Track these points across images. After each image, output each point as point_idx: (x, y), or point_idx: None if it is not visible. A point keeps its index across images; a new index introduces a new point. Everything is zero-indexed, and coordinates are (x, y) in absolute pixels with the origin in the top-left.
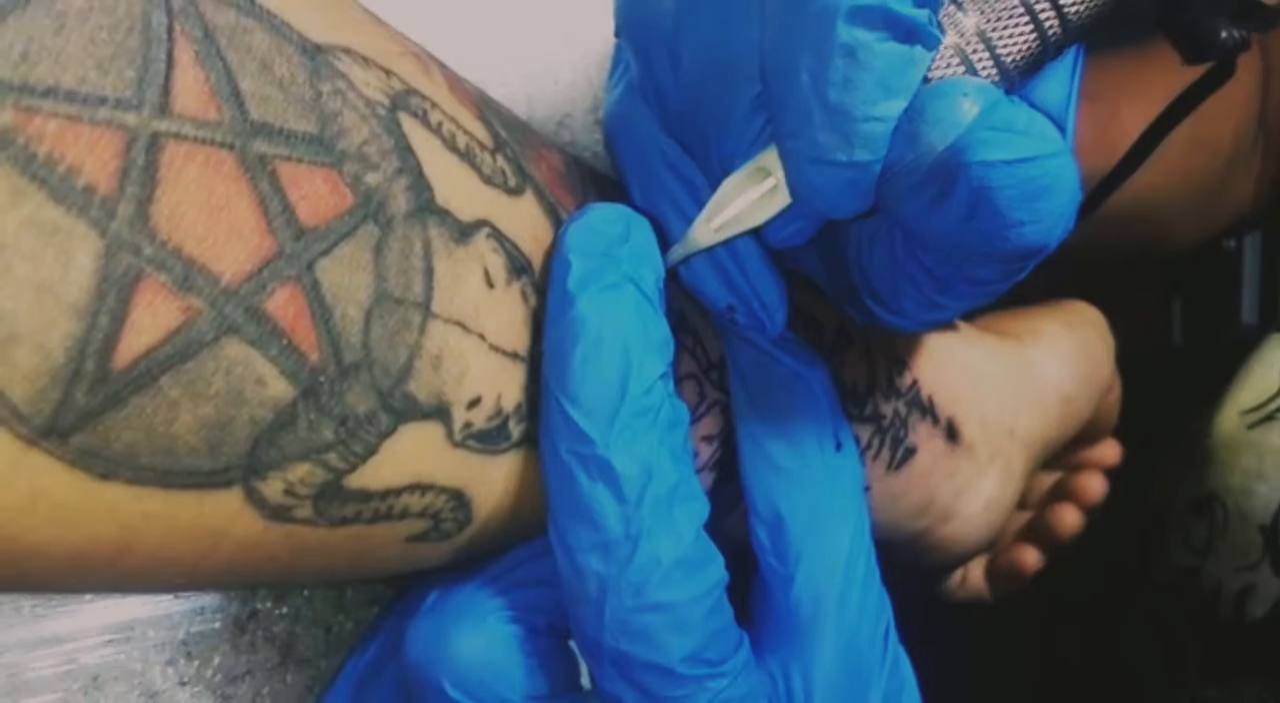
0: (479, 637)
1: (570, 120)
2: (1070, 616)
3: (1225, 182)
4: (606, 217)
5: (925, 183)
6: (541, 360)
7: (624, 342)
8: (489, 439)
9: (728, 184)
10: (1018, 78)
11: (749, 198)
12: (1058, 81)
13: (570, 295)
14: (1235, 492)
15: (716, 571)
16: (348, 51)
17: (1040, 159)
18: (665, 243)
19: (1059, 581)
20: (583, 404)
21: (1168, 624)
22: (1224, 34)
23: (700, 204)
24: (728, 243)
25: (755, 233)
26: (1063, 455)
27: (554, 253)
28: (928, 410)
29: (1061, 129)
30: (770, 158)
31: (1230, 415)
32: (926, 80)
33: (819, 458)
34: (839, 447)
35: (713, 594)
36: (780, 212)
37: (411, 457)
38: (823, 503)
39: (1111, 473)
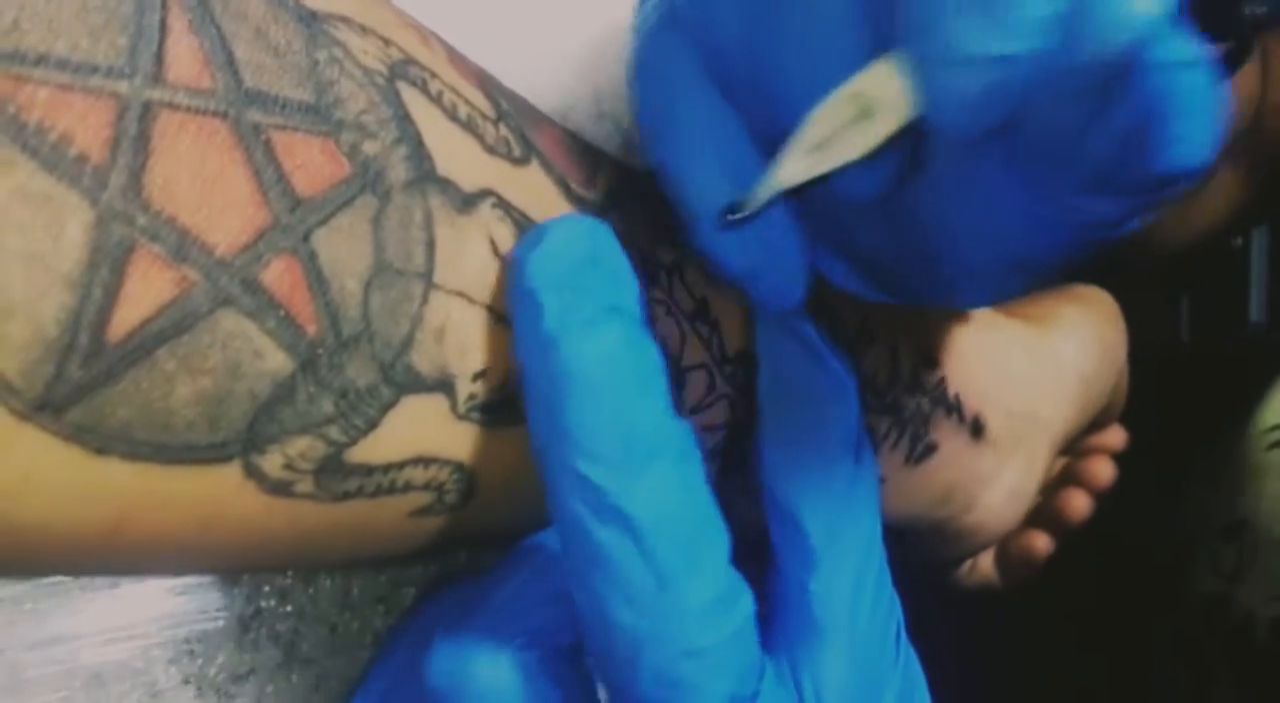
0: (499, 666)
1: (573, 113)
2: (1099, 643)
3: (1221, 180)
4: (568, 236)
5: (1094, 88)
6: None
7: (619, 382)
8: (494, 412)
9: (819, 112)
10: None
11: (843, 126)
12: None
13: (550, 340)
14: (1264, 517)
15: (746, 602)
16: (345, 20)
17: (1199, 66)
18: (688, 204)
19: (1088, 604)
20: (588, 454)
21: (1199, 653)
22: (1248, 9)
23: (740, 171)
24: (821, 180)
25: (844, 170)
26: (1071, 441)
27: (513, 283)
28: (954, 408)
29: None
30: (872, 78)
31: (1252, 436)
32: None
33: (844, 467)
34: (858, 458)
35: (745, 628)
36: (882, 141)
37: (414, 430)
38: (841, 512)
39: (1134, 484)
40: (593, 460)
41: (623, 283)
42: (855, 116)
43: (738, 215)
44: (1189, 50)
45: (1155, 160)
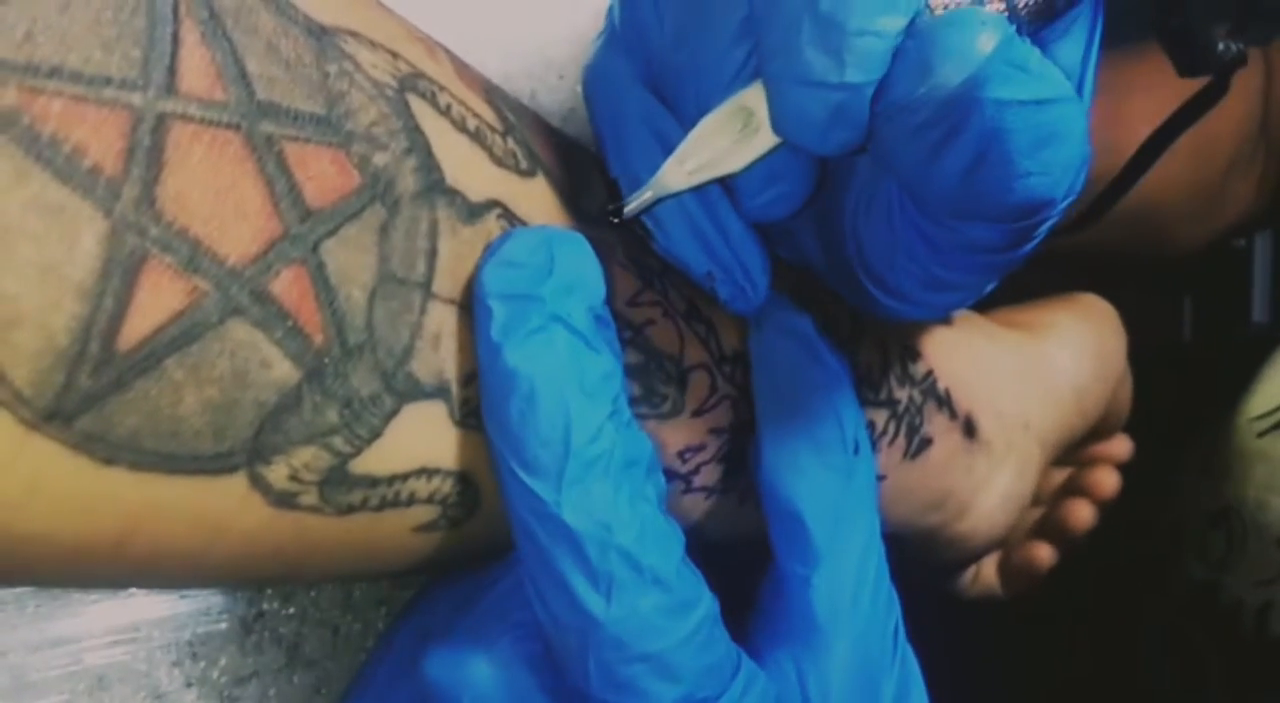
0: (495, 659)
1: (575, 115)
2: (1088, 629)
3: (1226, 185)
4: (526, 245)
5: (932, 123)
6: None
7: (558, 392)
8: None
9: (705, 123)
10: (1026, 22)
11: (728, 139)
12: (1072, 46)
13: (495, 346)
14: (1250, 505)
15: (702, 606)
16: (354, 34)
17: (1055, 103)
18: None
19: (1076, 593)
20: (527, 463)
21: (1188, 640)
22: (1221, 46)
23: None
24: (700, 188)
25: (729, 187)
26: (1075, 451)
27: (474, 293)
28: (944, 403)
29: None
30: (754, 95)
31: (1241, 424)
32: (929, 10)
33: (842, 462)
34: (856, 450)
35: (700, 633)
36: (762, 155)
37: (416, 439)
38: (842, 507)
39: (1126, 475)
40: (531, 469)
41: (577, 294)
42: (742, 131)
43: (618, 217)
44: (1039, 87)
45: (1008, 192)
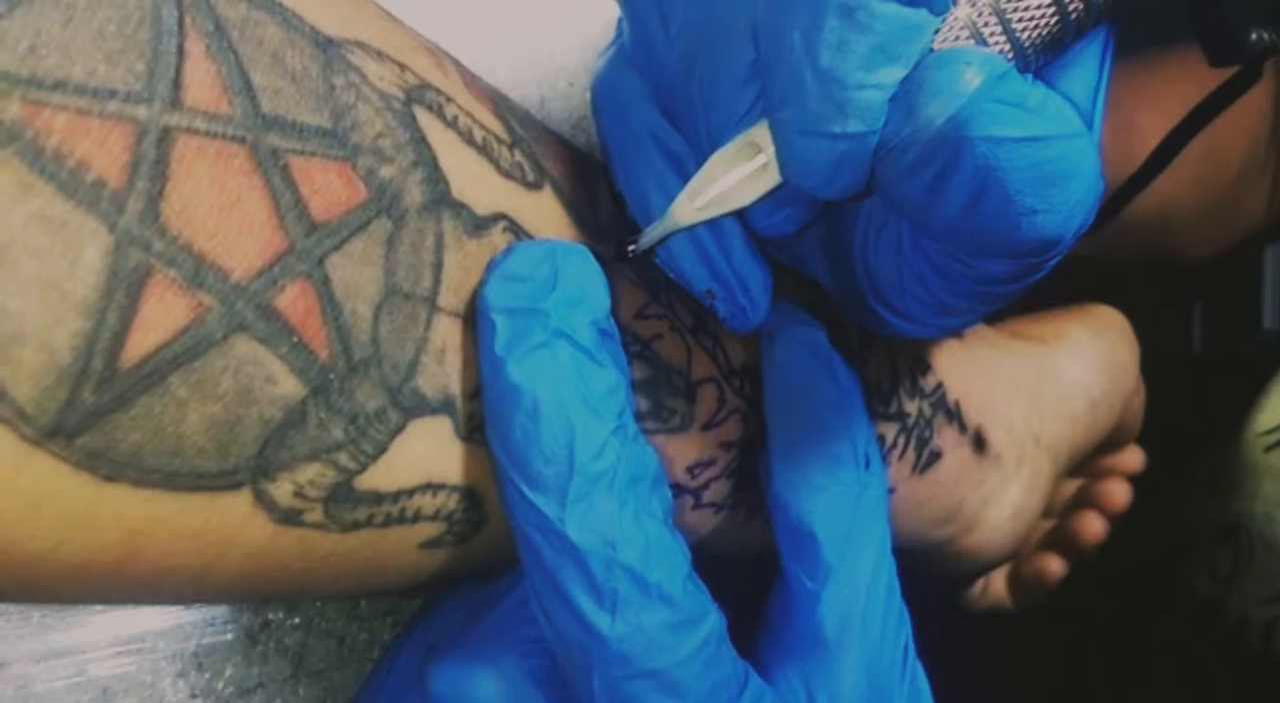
0: (501, 675)
1: (586, 123)
2: (1096, 642)
3: (1237, 196)
4: (529, 259)
5: (923, 161)
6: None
7: (562, 407)
8: None
9: (715, 159)
10: (1034, 58)
11: (737, 175)
12: (1085, 71)
13: (499, 361)
14: (1259, 520)
15: (708, 623)
16: (361, 45)
17: (1055, 140)
18: (646, 224)
19: (1083, 607)
20: (532, 479)
21: (1195, 655)
22: (1253, 36)
23: (686, 181)
24: (711, 223)
25: (741, 214)
26: (1086, 462)
27: (477, 306)
28: (954, 415)
29: (1089, 121)
30: (762, 132)
31: (1249, 439)
32: (932, 53)
33: (854, 478)
34: (868, 464)
35: (705, 650)
36: (769, 191)
37: (422, 455)
38: (853, 522)
39: (1136, 488)
40: (535, 486)
41: (581, 308)
42: (750, 166)
43: (631, 249)
44: (1035, 124)
45: (1014, 230)
